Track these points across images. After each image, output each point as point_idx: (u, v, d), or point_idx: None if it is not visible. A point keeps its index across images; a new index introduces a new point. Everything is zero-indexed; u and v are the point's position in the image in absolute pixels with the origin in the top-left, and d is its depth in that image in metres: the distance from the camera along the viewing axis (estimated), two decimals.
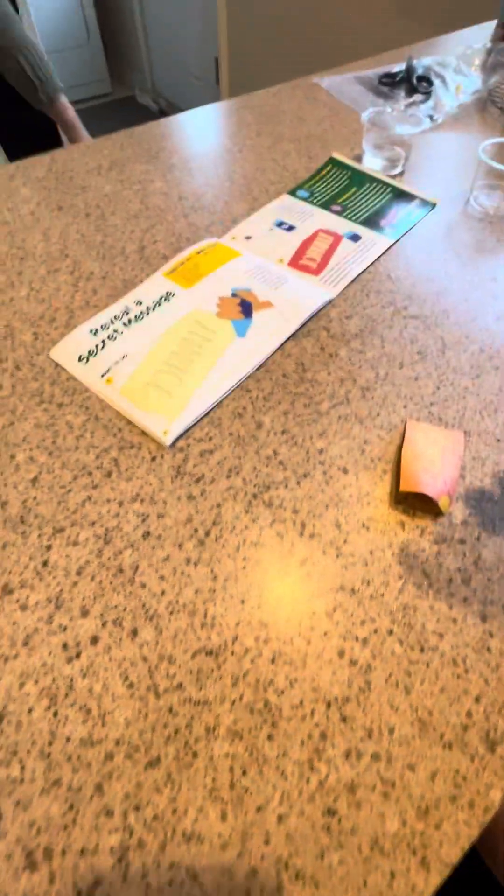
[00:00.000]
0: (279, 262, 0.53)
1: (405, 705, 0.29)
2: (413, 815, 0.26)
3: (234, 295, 0.49)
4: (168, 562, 0.34)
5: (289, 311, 0.48)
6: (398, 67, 0.81)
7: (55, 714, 0.28)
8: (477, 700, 0.29)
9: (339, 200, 0.61)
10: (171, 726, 0.28)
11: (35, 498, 0.37)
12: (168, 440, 0.39)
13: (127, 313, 0.48)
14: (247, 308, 0.48)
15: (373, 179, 0.64)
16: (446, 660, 0.30)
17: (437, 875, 0.24)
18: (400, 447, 0.39)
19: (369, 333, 0.47)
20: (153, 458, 0.39)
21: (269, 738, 0.28)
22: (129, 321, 0.47)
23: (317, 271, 0.53)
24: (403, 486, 0.35)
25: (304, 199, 0.61)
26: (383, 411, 0.42)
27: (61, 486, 0.37)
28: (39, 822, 0.25)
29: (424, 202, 0.61)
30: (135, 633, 0.31)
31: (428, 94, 0.76)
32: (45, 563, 0.34)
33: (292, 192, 0.62)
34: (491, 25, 0.92)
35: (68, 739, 0.28)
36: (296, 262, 0.54)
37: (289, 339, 0.47)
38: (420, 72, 0.79)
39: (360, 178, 0.64)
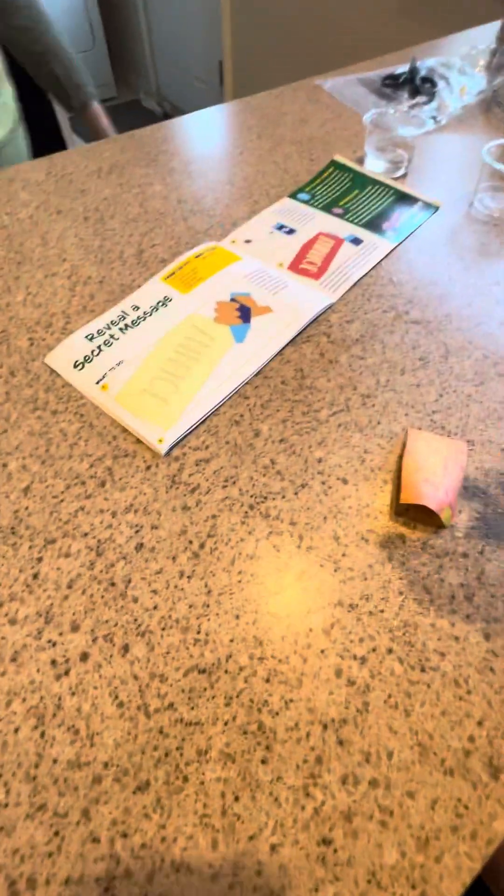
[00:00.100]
0: (279, 267, 0.53)
1: (405, 728, 0.27)
2: (412, 846, 0.24)
3: (232, 300, 0.48)
4: (161, 575, 0.33)
5: (288, 315, 0.47)
6: (401, 69, 0.80)
7: (42, 734, 0.27)
8: (480, 724, 0.28)
9: (341, 203, 0.60)
10: (162, 748, 0.27)
11: (27, 508, 0.36)
12: (163, 449, 0.38)
13: (123, 318, 0.47)
14: (245, 313, 0.47)
15: (375, 182, 0.63)
16: (448, 680, 0.29)
17: None
18: (401, 457, 0.38)
19: (370, 339, 0.46)
20: (148, 467, 0.38)
21: (263, 761, 0.27)
22: (126, 326, 0.47)
23: (317, 275, 0.52)
24: (404, 498, 0.34)
25: (305, 202, 0.60)
26: (384, 419, 0.41)
27: (54, 495, 0.36)
28: (23, 850, 0.25)
29: (427, 205, 0.60)
30: (126, 649, 0.30)
31: (431, 96, 0.75)
32: (35, 576, 0.33)
33: (293, 195, 0.61)
34: (496, 26, 0.91)
35: (55, 761, 0.27)
36: (296, 266, 0.53)
37: (288, 344, 0.46)
38: (424, 73, 0.78)
39: (361, 181, 0.63)
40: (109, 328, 0.46)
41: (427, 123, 0.64)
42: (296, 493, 0.36)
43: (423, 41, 0.93)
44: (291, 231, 0.56)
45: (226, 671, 0.29)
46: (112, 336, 0.46)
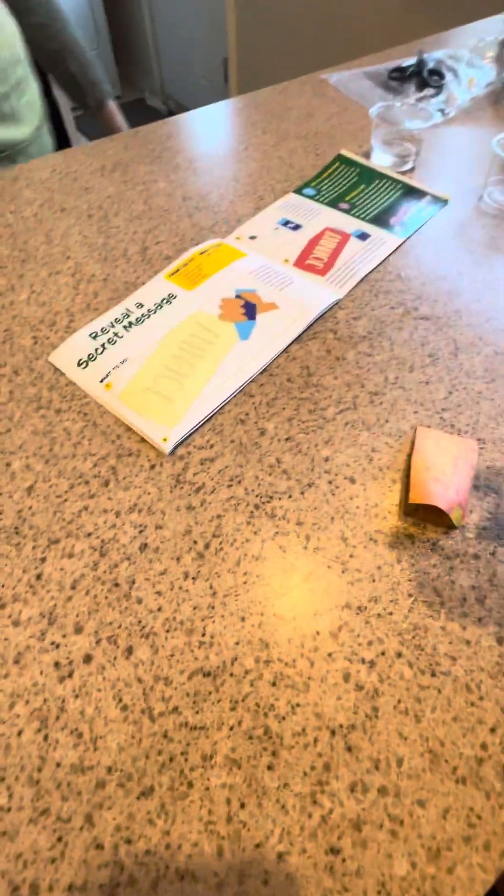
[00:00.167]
0: (285, 263, 0.52)
1: (415, 734, 0.27)
2: (423, 856, 0.24)
3: (237, 296, 0.48)
4: (165, 576, 0.32)
5: (294, 312, 0.47)
6: (408, 62, 0.79)
7: (45, 737, 0.27)
8: (493, 731, 0.27)
9: (347, 198, 0.59)
10: (166, 753, 0.26)
11: (30, 508, 0.36)
12: (168, 447, 0.38)
13: (127, 316, 0.47)
14: (250, 310, 0.47)
15: (382, 176, 0.62)
16: (459, 685, 0.28)
17: None
18: (410, 456, 0.37)
19: (378, 335, 0.46)
20: (152, 467, 0.37)
21: (270, 767, 0.26)
22: (130, 324, 0.46)
23: (323, 271, 0.51)
24: (413, 498, 0.34)
25: (311, 198, 0.59)
26: (392, 417, 0.40)
27: (57, 495, 0.36)
28: (26, 855, 0.24)
29: (435, 199, 0.58)
30: (130, 651, 0.30)
31: (439, 88, 0.74)
32: (38, 577, 0.33)
33: (298, 191, 0.60)
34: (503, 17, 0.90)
35: (58, 765, 0.26)
36: (302, 262, 0.52)
37: (294, 341, 0.45)
38: (431, 65, 0.77)
39: (368, 175, 0.62)
40: (113, 326, 0.46)
41: (435, 116, 0.63)
42: (302, 493, 0.36)
43: (430, 34, 0.92)
44: (297, 227, 0.56)
45: (231, 674, 0.29)
46: (116, 334, 0.45)
